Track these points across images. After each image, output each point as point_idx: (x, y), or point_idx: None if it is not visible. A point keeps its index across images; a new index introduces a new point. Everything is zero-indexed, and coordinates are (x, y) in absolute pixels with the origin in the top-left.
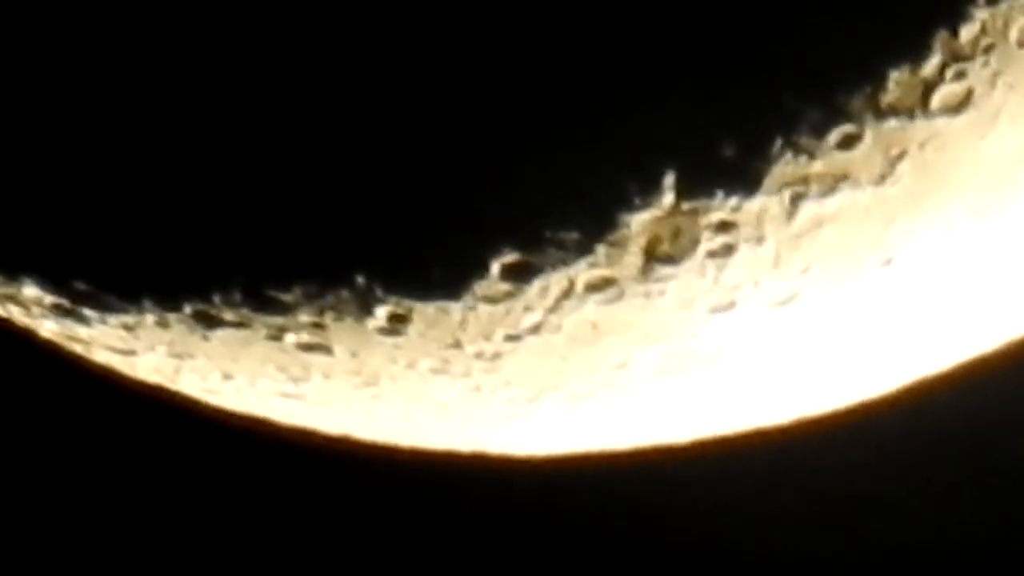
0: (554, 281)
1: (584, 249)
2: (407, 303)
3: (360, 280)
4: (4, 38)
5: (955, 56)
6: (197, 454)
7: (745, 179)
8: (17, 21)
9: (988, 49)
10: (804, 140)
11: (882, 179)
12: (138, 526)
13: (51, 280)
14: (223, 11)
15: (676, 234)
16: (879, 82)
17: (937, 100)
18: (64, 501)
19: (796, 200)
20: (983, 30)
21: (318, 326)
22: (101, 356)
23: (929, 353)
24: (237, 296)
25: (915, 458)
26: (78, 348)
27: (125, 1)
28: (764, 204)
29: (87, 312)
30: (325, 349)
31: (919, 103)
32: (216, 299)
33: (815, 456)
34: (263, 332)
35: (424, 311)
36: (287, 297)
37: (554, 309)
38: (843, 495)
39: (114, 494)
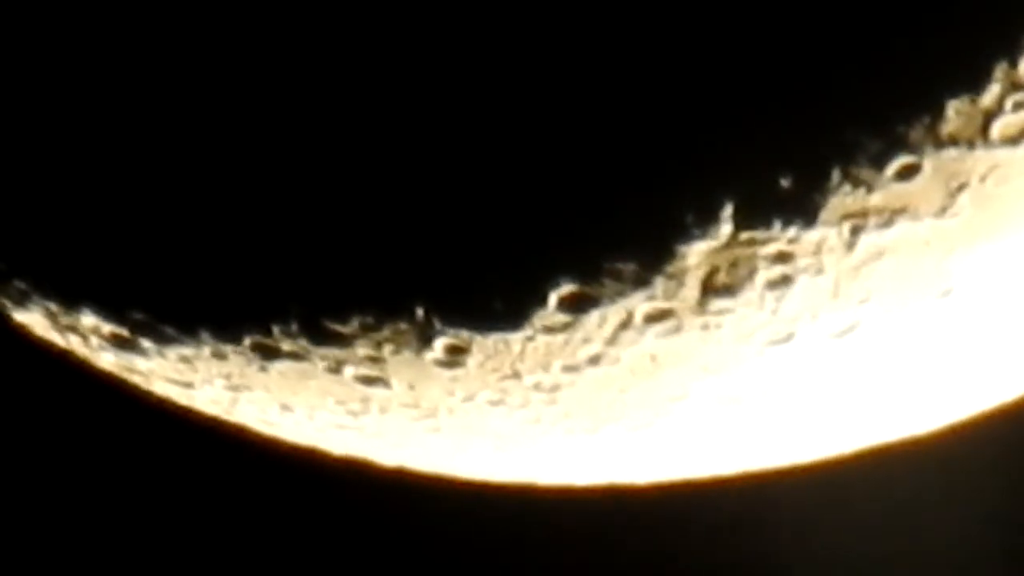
0: (612, 312)
1: (642, 280)
2: (466, 335)
3: (419, 312)
4: (55, 70)
5: (1015, 86)
6: (250, 483)
7: (803, 210)
8: (78, 46)
9: None
10: (863, 171)
11: (942, 211)
12: (194, 554)
13: (109, 309)
14: (289, 36)
15: (734, 265)
16: (938, 112)
17: (997, 130)
18: (117, 528)
19: (855, 231)
20: None
21: (376, 359)
22: (160, 388)
23: (990, 384)
24: (295, 328)
25: (974, 490)
26: (137, 380)
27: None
28: (823, 235)
29: (145, 343)
30: (383, 382)
31: (979, 133)
32: (274, 331)
33: (875, 487)
34: (322, 364)
35: (483, 343)
36: (345, 329)
37: (612, 341)
38: (903, 526)
39: (166, 521)
